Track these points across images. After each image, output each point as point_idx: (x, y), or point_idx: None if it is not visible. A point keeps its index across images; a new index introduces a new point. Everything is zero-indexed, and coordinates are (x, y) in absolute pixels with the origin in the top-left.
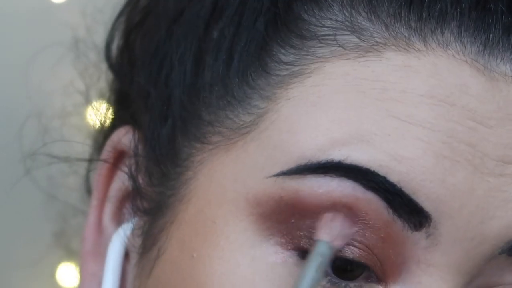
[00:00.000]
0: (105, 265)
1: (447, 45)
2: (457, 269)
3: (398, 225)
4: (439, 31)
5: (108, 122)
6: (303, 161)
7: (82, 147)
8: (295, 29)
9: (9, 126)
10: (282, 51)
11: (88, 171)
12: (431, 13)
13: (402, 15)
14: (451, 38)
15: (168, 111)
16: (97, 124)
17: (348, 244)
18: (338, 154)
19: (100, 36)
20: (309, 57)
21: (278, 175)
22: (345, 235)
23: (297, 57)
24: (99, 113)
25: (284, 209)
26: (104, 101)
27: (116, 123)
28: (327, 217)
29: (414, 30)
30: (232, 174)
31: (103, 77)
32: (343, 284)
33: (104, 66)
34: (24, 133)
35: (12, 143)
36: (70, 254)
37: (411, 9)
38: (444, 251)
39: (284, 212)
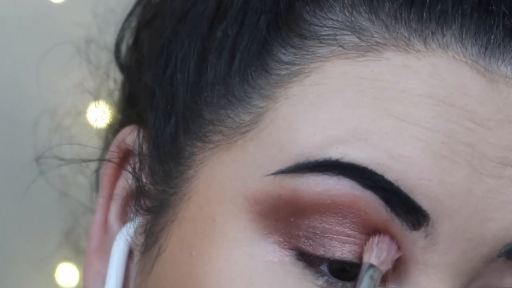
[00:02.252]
0: (109, 264)
1: (447, 46)
2: (455, 270)
3: (397, 224)
4: (439, 32)
5: (116, 121)
6: (301, 159)
7: (92, 146)
8: (296, 29)
9: (18, 129)
10: (283, 50)
11: (97, 170)
12: (432, 15)
13: (403, 16)
14: (452, 39)
15: (172, 110)
16: (103, 123)
17: (345, 242)
18: (335, 152)
19: (109, 35)
20: (309, 56)
21: (276, 173)
22: (392, 259)
23: (297, 56)
24: (104, 112)
25: (282, 207)
26: (111, 101)
27: (124, 123)
28: (374, 240)
29: (414, 31)
30: (231, 173)
31: (111, 76)
32: (340, 284)
33: (112, 65)
34: (34, 132)
35: (21, 144)
36: (70, 254)
37: (412, 10)
38: (442, 251)
39: (283, 210)
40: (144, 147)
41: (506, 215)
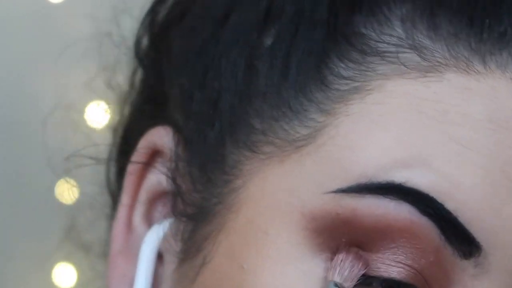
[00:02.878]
0: (138, 266)
1: (505, 67)
2: None
3: (448, 251)
4: (497, 51)
5: (134, 119)
6: (363, 180)
7: (104, 140)
8: (355, 43)
9: (17, 130)
10: (342, 65)
11: (108, 169)
12: (491, 34)
13: (463, 34)
14: (509, 59)
15: (215, 115)
16: (115, 121)
17: (394, 265)
18: (399, 176)
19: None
20: (369, 73)
21: (336, 191)
22: (355, 276)
23: (357, 72)
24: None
25: (338, 226)
26: (121, 99)
27: (145, 120)
28: (338, 258)
29: (474, 50)
30: (286, 187)
31: (119, 74)
32: None
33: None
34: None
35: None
36: (68, 253)
37: (472, 29)
38: (492, 279)
39: (338, 229)
40: (180, 150)
41: None
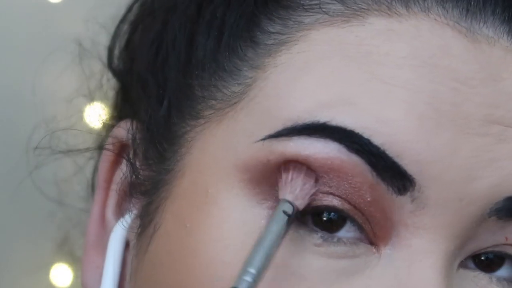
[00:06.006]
0: (106, 256)
1: (429, 9)
2: (448, 231)
3: (382, 189)
4: None
5: (112, 120)
6: (289, 123)
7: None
8: (281, 1)
9: (15, 130)
10: (270, 22)
11: (94, 176)
12: None
13: None
14: (433, 3)
15: (165, 94)
16: (99, 125)
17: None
18: (323, 116)
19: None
20: (295, 26)
21: (265, 138)
22: (307, 193)
23: (284, 27)
24: (99, 115)
25: (272, 173)
26: (108, 102)
27: (119, 120)
28: (287, 176)
29: None
30: (223, 144)
31: (107, 79)
32: (336, 239)
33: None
34: (31, 138)
35: (17, 145)
36: (64, 255)
37: None
38: (432, 213)
39: (274, 175)
40: (138, 136)
41: (494, 173)
